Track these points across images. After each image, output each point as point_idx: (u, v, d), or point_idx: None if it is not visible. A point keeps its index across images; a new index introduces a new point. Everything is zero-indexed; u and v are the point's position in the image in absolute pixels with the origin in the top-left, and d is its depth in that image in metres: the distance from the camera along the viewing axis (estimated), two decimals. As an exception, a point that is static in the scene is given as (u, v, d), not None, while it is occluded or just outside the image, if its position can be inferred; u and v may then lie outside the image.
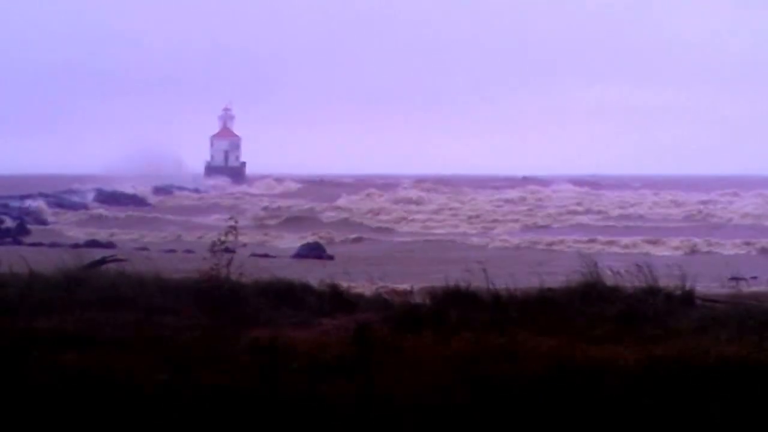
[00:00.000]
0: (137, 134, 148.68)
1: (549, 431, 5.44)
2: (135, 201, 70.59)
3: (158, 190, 79.13)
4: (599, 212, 56.88)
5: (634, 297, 9.52)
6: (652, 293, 9.74)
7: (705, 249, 36.36)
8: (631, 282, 9.95)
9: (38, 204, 58.21)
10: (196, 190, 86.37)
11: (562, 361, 6.27)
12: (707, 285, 11.24)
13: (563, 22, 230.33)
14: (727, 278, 12.35)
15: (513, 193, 73.68)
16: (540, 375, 6.03)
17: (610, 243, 38.37)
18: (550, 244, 39.23)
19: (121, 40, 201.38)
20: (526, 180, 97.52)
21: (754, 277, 16.35)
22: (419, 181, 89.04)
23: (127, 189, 74.50)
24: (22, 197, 58.79)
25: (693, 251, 35.77)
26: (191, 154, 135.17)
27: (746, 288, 12.53)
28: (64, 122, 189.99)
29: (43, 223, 52.00)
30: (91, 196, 69.02)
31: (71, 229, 48.85)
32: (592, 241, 38.82)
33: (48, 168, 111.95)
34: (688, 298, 9.81)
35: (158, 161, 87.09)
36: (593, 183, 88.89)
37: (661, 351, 6.49)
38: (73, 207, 61.53)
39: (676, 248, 36.65)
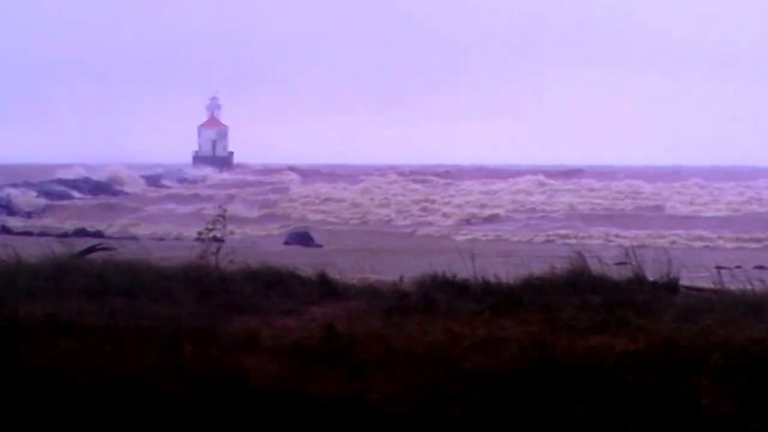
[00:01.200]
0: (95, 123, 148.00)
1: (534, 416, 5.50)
2: (121, 191, 70.52)
3: (146, 180, 79.13)
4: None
5: (620, 286, 9.63)
6: (638, 282, 9.85)
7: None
8: (618, 272, 10.05)
9: (23, 193, 58.00)
10: (184, 180, 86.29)
11: (545, 349, 6.35)
12: (696, 275, 11.35)
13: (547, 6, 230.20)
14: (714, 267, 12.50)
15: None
16: (523, 362, 6.10)
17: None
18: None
19: (106, 29, 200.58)
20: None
21: (738, 267, 16.59)
22: (412, 172, 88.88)
23: (114, 178, 74.48)
24: (5, 186, 58.52)
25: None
26: (179, 144, 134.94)
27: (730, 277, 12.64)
28: (47, 112, 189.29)
29: (28, 213, 51.79)
30: (75, 185, 68.73)
31: (56, 218, 48.74)
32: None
33: (33, 158, 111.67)
34: (672, 287, 9.93)
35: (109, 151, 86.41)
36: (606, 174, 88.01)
37: (641, 339, 6.56)
38: (59, 196, 61.29)
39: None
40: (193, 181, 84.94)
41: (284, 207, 55.77)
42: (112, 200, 61.21)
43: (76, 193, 64.64)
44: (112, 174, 75.44)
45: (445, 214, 51.08)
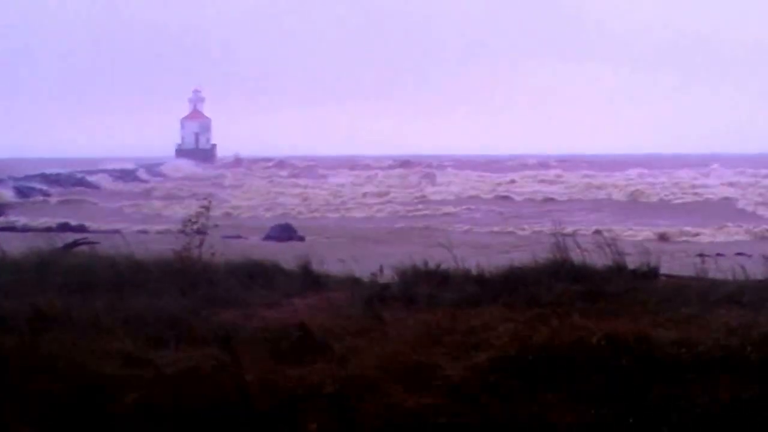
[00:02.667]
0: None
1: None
2: (92, 186, 70.39)
3: (122, 175, 79.30)
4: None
5: (601, 274, 9.71)
6: (618, 270, 9.94)
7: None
8: (599, 260, 10.14)
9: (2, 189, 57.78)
10: (161, 174, 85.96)
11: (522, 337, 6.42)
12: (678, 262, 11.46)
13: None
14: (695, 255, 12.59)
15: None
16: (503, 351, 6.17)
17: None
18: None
19: (89, 23, 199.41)
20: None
21: (720, 254, 16.72)
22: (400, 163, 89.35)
23: (89, 175, 74.82)
24: None
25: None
26: (162, 137, 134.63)
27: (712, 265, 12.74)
28: (33, 107, 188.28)
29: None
30: (47, 182, 68.35)
31: (34, 214, 48.41)
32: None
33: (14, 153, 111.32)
34: (652, 274, 10.02)
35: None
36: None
37: (618, 327, 6.60)
38: (32, 194, 60.76)
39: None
40: (160, 175, 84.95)
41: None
42: (74, 196, 60.68)
43: (47, 187, 64.39)
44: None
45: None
